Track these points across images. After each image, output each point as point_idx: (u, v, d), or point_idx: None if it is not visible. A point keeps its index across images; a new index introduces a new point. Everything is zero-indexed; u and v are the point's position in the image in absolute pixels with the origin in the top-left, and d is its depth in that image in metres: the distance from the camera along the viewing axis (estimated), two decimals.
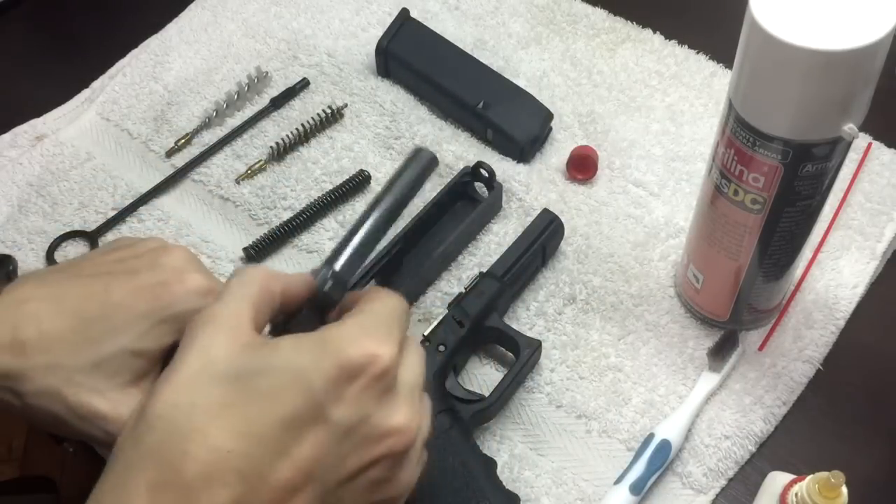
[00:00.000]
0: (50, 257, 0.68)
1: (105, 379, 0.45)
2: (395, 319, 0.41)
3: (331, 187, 0.71)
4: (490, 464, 0.56)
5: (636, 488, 0.56)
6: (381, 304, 0.42)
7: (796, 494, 0.52)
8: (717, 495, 0.58)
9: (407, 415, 0.40)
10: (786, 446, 0.60)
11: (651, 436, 0.57)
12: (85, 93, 0.81)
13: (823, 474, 0.50)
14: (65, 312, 0.46)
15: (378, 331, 0.40)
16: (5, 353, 0.45)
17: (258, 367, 0.38)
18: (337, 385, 0.38)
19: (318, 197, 0.71)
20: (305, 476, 0.37)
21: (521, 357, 0.60)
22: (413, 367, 0.42)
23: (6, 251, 0.69)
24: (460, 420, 0.56)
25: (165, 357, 0.47)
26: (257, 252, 0.68)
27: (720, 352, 0.61)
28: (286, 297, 0.43)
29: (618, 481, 0.56)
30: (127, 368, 0.46)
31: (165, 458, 0.36)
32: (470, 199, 0.69)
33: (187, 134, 0.76)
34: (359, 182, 0.71)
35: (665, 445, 0.57)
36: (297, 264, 0.69)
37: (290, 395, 0.37)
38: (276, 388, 0.37)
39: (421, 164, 0.45)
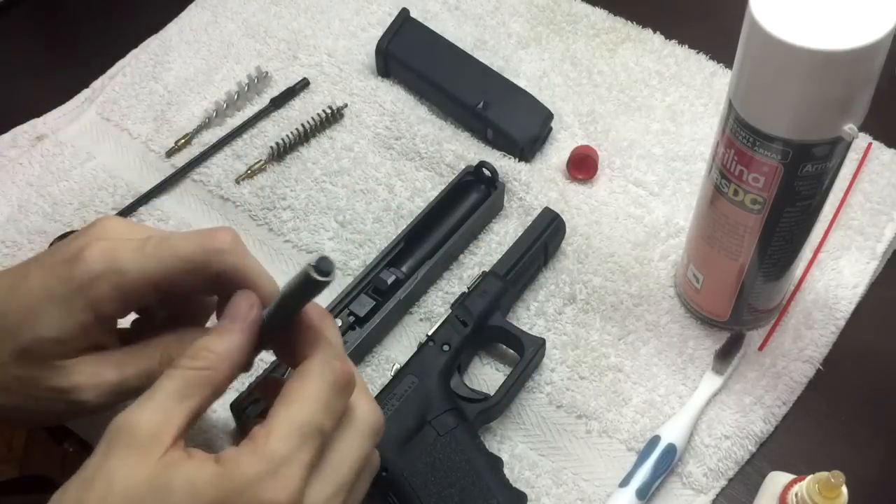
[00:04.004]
0: None
1: (38, 364, 0.45)
2: (307, 433, 0.37)
3: (331, 187, 0.71)
4: (497, 462, 0.56)
5: (642, 493, 0.55)
6: (296, 411, 0.38)
7: (796, 494, 0.52)
8: (717, 495, 0.58)
9: None
10: (786, 446, 0.60)
11: (656, 438, 0.57)
12: (85, 93, 0.81)
13: (823, 474, 0.50)
14: None
15: (280, 469, 0.36)
16: None
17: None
18: None
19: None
20: None
21: (526, 355, 0.60)
22: (326, 485, 0.38)
23: (6, 251, 0.69)
24: (466, 419, 0.56)
25: (100, 320, 0.45)
26: None
27: (727, 354, 0.61)
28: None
29: (623, 484, 0.56)
30: (51, 354, 0.45)
31: None
32: (472, 199, 0.69)
33: (187, 134, 0.76)
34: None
35: (671, 450, 0.57)
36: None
37: None
38: None
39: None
